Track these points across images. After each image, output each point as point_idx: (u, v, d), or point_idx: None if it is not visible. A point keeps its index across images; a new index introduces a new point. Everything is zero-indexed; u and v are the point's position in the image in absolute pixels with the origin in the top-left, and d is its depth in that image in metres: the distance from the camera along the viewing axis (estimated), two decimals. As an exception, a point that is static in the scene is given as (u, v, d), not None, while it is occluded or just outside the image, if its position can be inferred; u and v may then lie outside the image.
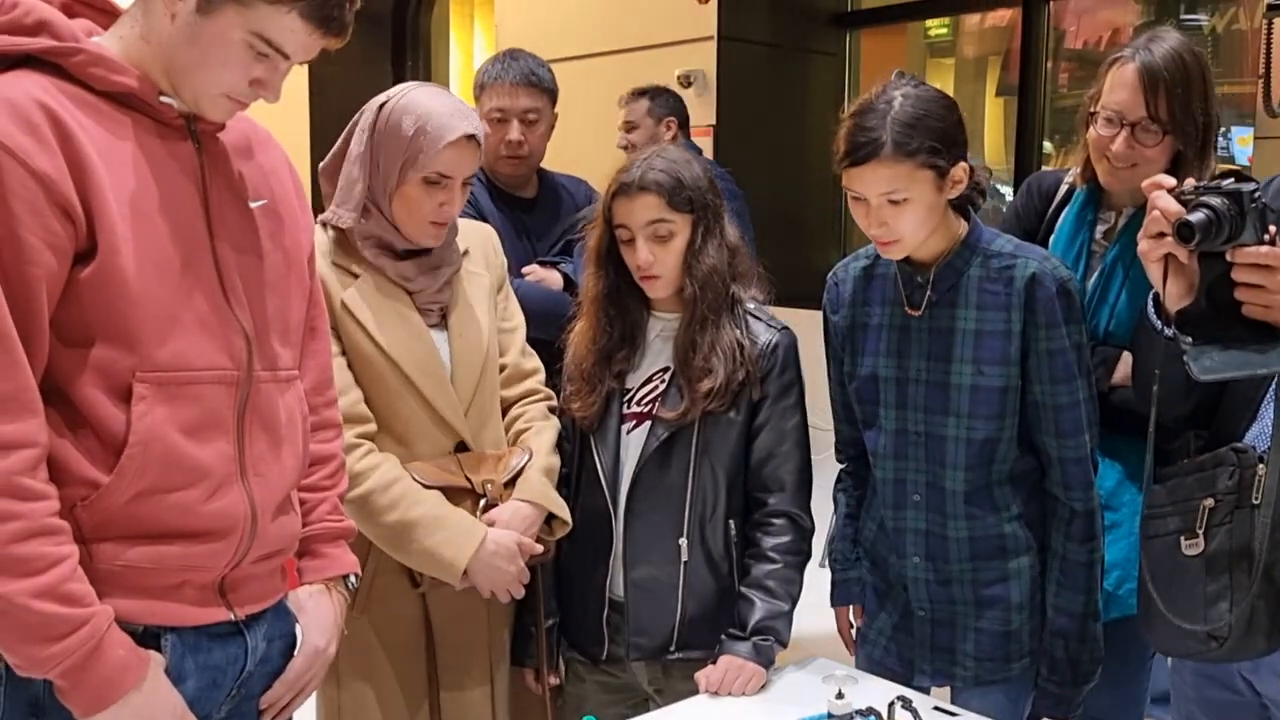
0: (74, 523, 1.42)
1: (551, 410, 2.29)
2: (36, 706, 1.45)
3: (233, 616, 1.57)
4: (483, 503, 2.09)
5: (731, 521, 2.18)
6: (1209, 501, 1.74)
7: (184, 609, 1.51)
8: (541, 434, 2.22)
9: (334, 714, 2.11)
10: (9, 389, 1.35)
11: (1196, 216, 1.55)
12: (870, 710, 1.76)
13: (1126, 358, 2.24)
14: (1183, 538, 1.76)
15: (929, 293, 2.08)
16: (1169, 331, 1.67)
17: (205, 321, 1.50)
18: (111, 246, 1.41)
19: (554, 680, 2.29)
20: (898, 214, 1.97)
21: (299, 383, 1.67)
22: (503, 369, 2.24)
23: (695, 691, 2.04)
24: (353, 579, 1.81)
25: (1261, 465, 1.69)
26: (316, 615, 1.72)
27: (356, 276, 2.06)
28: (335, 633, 1.74)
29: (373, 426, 2.04)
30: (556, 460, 2.20)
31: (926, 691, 2.15)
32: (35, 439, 1.37)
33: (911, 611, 2.17)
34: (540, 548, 2.05)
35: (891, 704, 1.78)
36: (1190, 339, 1.63)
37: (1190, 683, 1.95)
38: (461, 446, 2.13)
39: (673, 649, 2.16)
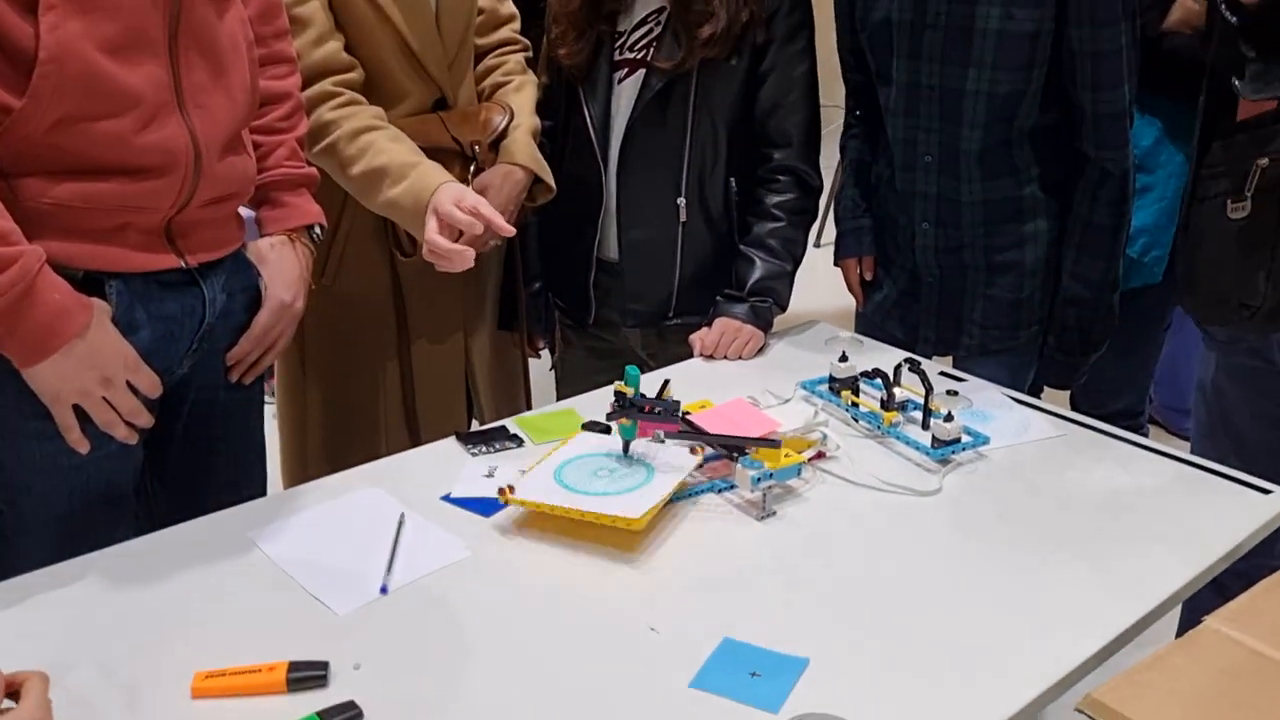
0: None
1: (529, 62, 2.06)
2: None
3: (183, 264, 1.42)
4: (473, 167, 1.90)
5: (732, 179, 2.00)
6: (1263, 160, 1.57)
7: (127, 254, 1.36)
8: (521, 90, 2.00)
9: (297, 368, 2.01)
10: None
11: None
12: (876, 372, 1.65)
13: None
14: (1230, 200, 1.60)
15: None
16: None
17: None
18: None
19: (542, 344, 2.20)
20: None
21: (240, 4, 1.45)
22: (478, 13, 2.00)
23: (690, 355, 1.94)
24: (317, 230, 1.65)
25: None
26: (280, 268, 1.58)
27: None
28: (301, 287, 1.61)
29: (356, 75, 1.82)
30: (538, 121, 1.99)
31: (929, 359, 2.05)
32: None
33: (919, 278, 2.04)
34: (509, 229, 1.76)
35: (898, 367, 1.67)
36: None
37: (1222, 348, 1.85)
38: (441, 104, 1.92)
39: (670, 314, 2.05)
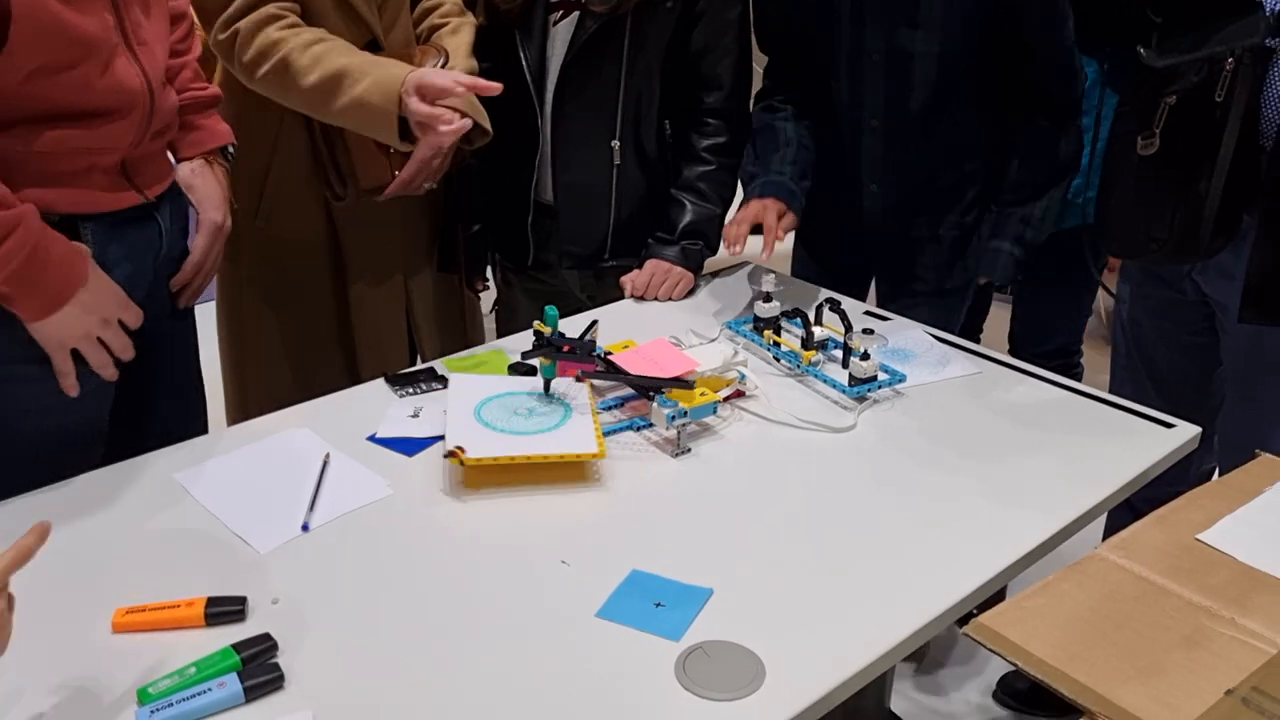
0: None
1: (467, 3, 2.06)
2: None
3: (143, 199, 1.47)
4: None
5: (666, 122, 2.01)
6: (1170, 98, 1.60)
7: (96, 194, 1.40)
8: (458, 33, 1.98)
9: (236, 311, 2.03)
10: None
11: None
12: (796, 312, 1.68)
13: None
14: (1140, 137, 1.63)
15: None
16: None
17: None
18: None
19: (481, 286, 2.21)
20: None
21: None
22: None
23: (623, 297, 1.97)
24: (230, 149, 1.69)
25: (1231, 60, 1.53)
26: (207, 191, 1.62)
27: None
28: (227, 206, 1.66)
29: (295, 4, 1.79)
30: (475, 64, 1.98)
31: (861, 297, 2.09)
32: None
33: (863, 235, 2.05)
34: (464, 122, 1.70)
35: (819, 306, 1.70)
36: None
37: (1137, 280, 1.89)
38: (372, 46, 1.90)
39: (606, 256, 2.07)
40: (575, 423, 1.43)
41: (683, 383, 1.47)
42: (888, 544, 1.29)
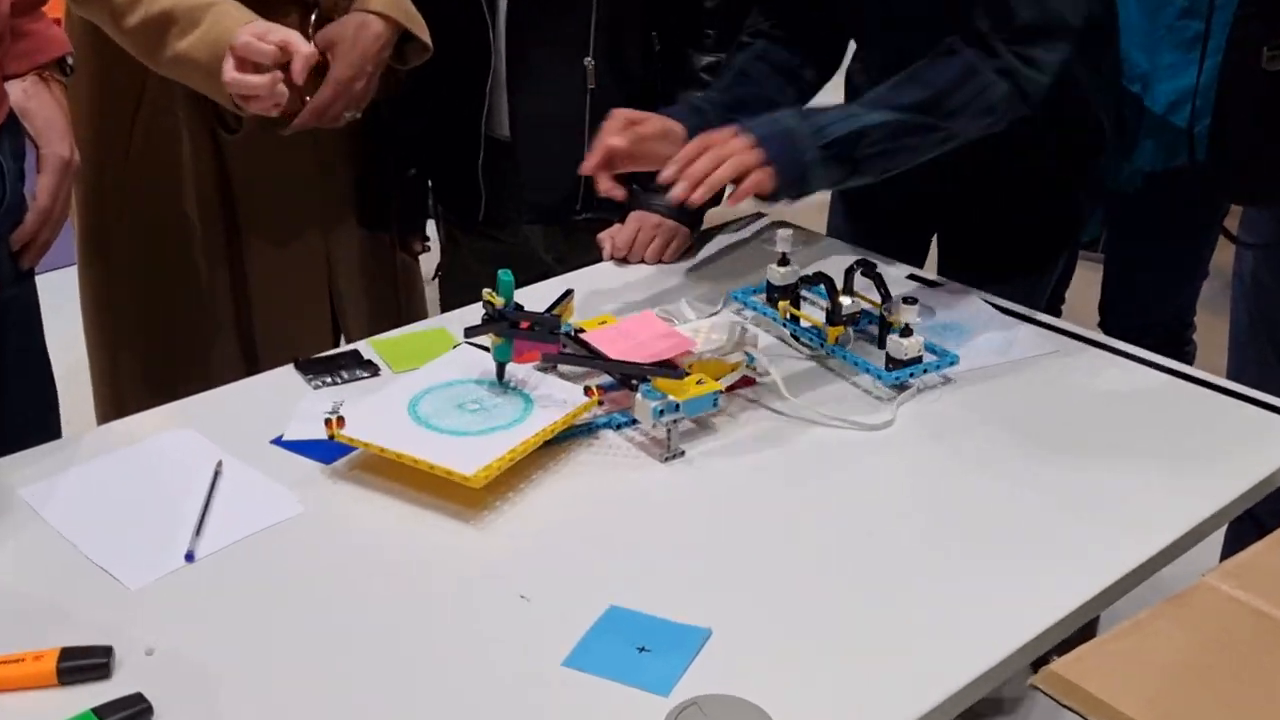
0: None
1: None
2: None
3: None
4: (314, 16, 1.90)
5: (655, 34, 2.03)
6: (1306, -4, 1.60)
7: None
8: None
9: (102, 280, 2.04)
10: None
11: None
12: (820, 277, 1.68)
13: None
14: (1267, 48, 1.63)
15: None
16: None
17: None
18: None
19: (420, 247, 2.22)
20: None
21: None
22: None
23: (601, 259, 1.98)
24: (68, 60, 1.67)
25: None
26: (48, 117, 1.61)
27: None
28: (71, 135, 1.64)
29: None
30: None
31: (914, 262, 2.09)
32: None
33: (926, 188, 2.05)
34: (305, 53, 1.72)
35: (849, 270, 1.70)
36: None
37: (1264, 234, 1.89)
38: None
39: (578, 207, 2.08)
40: (515, 429, 1.43)
41: (672, 369, 1.47)
42: (934, 572, 1.29)
